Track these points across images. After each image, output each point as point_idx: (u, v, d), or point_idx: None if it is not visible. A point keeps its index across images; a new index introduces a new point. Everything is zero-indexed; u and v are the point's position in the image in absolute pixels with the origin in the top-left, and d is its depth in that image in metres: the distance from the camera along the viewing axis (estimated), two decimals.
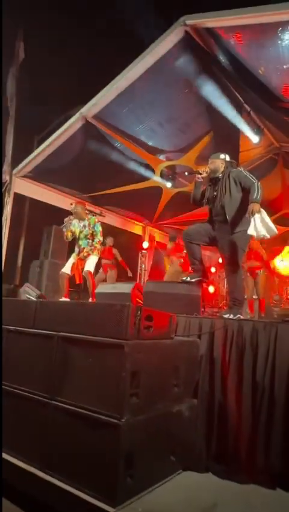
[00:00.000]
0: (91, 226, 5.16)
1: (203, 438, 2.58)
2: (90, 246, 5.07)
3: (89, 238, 5.11)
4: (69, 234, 5.16)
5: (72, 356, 2.34)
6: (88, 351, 2.27)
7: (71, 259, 5.13)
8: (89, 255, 5.03)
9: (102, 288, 3.73)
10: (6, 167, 6.51)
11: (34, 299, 4.50)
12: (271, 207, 8.74)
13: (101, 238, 5.19)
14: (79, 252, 5.10)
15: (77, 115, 5.86)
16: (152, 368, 2.26)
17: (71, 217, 5.28)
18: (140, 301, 3.40)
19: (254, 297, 6.63)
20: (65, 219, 5.30)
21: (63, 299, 4.97)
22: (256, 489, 2.27)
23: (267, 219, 3.12)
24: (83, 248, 5.08)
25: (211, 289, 8.22)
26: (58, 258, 6.93)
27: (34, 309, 2.73)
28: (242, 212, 3.41)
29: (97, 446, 2.05)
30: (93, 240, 5.09)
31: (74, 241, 5.27)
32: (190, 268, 3.58)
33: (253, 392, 2.50)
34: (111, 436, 2.01)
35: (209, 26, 4.74)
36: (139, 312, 2.22)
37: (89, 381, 2.21)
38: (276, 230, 3.09)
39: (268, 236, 3.06)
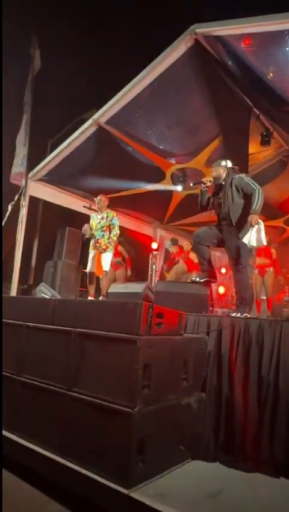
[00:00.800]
0: (109, 219, 5.34)
1: (211, 429, 2.72)
2: (108, 239, 5.25)
3: (105, 231, 5.29)
4: (88, 229, 5.33)
5: (88, 351, 2.52)
6: (103, 346, 2.44)
7: (92, 256, 5.31)
8: (107, 247, 5.21)
9: (113, 288, 3.89)
10: (22, 171, 6.74)
11: (49, 297, 4.70)
12: (281, 209, 8.82)
13: (118, 232, 5.36)
14: (95, 244, 5.26)
15: (90, 121, 6.05)
16: (162, 362, 2.41)
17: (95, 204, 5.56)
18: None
19: (262, 297, 6.65)
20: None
21: (90, 298, 5.18)
22: (260, 477, 2.41)
23: (262, 231, 3.36)
24: (98, 239, 5.25)
25: (221, 290, 8.33)
26: (71, 258, 7.14)
27: (52, 306, 2.91)
28: (247, 217, 3.53)
29: (112, 433, 2.22)
30: (109, 233, 5.27)
31: (89, 239, 5.46)
32: (200, 268, 3.73)
33: (258, 387, 2.64)
34: (124, 424, 2.17)
35: (219, 34, 4.88)
36: (151, 309, 2.38)
37: (104, 373, 2.38)
38: (265, 242, 3.36)
39: (255, 246, 3.36)
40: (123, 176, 7.02)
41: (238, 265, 3.46)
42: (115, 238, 5.32)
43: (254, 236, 3.30)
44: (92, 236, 5.38)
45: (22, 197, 6.56)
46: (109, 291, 4.01)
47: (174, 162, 7.25)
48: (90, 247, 5.42)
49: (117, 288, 3.89)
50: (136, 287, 3.71)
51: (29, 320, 2.98)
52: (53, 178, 6.94)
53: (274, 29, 4.55)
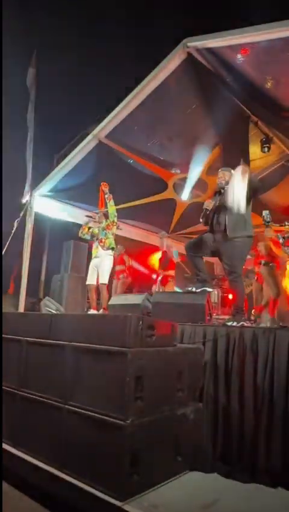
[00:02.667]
0: (109, 213, 5.43)
1: (209, 440, 2.73)
2: (106, 227, 5.39)
3: (106, 229, 5.41)
4: (86, 229, 5.51)
5: (83, 364, 2.56)
6: (97, 359, 2.49)
7: (92, 270, 5.35)
8: (109, 242, 5.29)
9: (114, 300, 3.95)
10: (27, 188, 6.91)
11: (54, 311, 4.79)
12: (285, 213, 8.76)
13: (115, 219, 5.44)
14: (99, 243, 5.37)
15: (90, 136, 6.19)
16: (155, 374, 2.44)
17: (95, 217, 5.69)
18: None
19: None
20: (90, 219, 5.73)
21: (92, 311, 5.17)
22: (258, 488, 2.39)
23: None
24: (102, 239, 5.38)
25: (231, 296, 8.28)
26: (78, 271, 7.24)
27: (49, 321, 2.98)
28: (242, 220, 3.54)
29: (106, 446, 2.25)
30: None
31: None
32: (195, 278, 3.74)
33: (254, 395, 2.63)
34: (117, 436, 2.20)
35: (211, 47, 4.97)
36: (141, 322, 2.42)
37: (98, 386, 2.42)
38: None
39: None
40: (126, 189, 7.12)
41: (233, 274, 3.47)
42: (109, 222, 5.41)
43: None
44: (94, 235, 5.52)
45: (28, 213, 6.71)
46: (109, 303, 4.07)
47: (176, 172, 7.33)
48: (93, 252, 5.47)
49: (117, 300, 3.95)
50: (136, 299, 3.77)
51: (29, 335, 3.05)
52: (57, 193, 7.08)
53: (268, 38, 4.58)
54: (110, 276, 5.47)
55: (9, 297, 8.61)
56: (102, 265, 5.21)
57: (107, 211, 5.54)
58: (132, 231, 8.70)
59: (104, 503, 2.10)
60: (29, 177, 6.95)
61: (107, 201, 5.48)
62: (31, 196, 6.79)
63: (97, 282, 5.18)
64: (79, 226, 8.05)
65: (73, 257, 7.16)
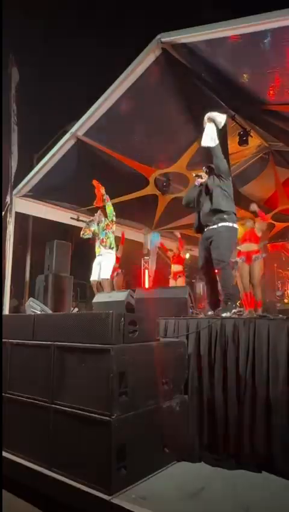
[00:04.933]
0: (107, 213, 5.52)
1: (195, 430, 2.78)
2: (106, 226, 5.51)
3: (106, 229, 5.53)
4: (87, 231, 5.57)
5: (68, 363, 2.58)
6: (81, 357, 2.51)
7: (95, 266, 5.50)
8: (110, 242, 5.44)
9: (98, 298, 3.96)
10: (9, 188, 6.84)
11: (39, 312, 4.76)
12: (267, 205, 8.92)
13: (113, 218, 5.58)
14: (100, 243, 5.49)
15: (68, 134, 6.15)
16: (139, 369, 2.48)
17: (95, 216, 5.73)
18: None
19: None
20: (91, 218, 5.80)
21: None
22: (243, 473, 2.46)
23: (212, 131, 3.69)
24: (102, 239, 5.51)
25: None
26: (62, 271, 7.21)
27: (32, 322, 2.98)
28: (223, 204, 3.60)
29: (92, 442, 2.28)
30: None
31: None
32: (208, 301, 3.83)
33: (237, 385, 2.70)
34: (103, 432, 2.23)
35: (185, 42, 4.99)
36: (122, 318, 2.45)
37: (83, 384, 2.44)
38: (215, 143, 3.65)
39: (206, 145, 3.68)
40: (107, 186, 7.10)
41: (221, 263, 3.49)
42: (108, 221, 5.52)
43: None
44: (94, 234, 5.61)
45: (8, 214, 6.64)
46: (94, 300, 4.09)
47: (156, 168, 7.35)
48: (96, 250, 5.59)
49: (101, 297, 3.96)
50: (120, 296, 3.79)
51: (13, 337, 3.05)
52: (38, 193, 7.03)
53: (242, 32, 4.61)
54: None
55: None
56: (104, 263, 5.37)
57: (104, 209, 5.63)
58: (116, 228, 8.68)
59: (93, 497, 2.14)
60: (12, 178, 6.87)
61: (105, 202, 5.59)
62: (11, 196, 6.72)
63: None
64: (62, 225, 8.07)
65: (57, 257, 7.13)
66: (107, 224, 5.55)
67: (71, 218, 7.86)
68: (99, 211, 5.75)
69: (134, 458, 2.30)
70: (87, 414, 2.33)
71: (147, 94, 5.76)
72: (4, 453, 2.70)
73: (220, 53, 5.07)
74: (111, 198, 7.61)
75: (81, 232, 5.69)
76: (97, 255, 5.55)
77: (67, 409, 2.46)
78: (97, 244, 5.58)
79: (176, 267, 8.11)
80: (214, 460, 2.61)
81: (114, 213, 5.62)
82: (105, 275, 5.30)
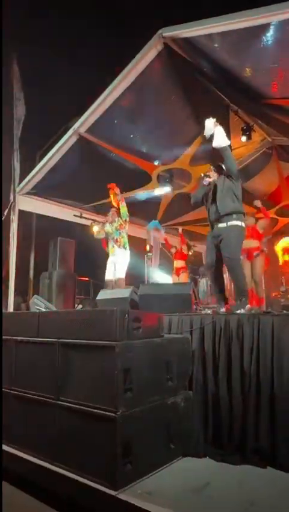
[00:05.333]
0: (121, 213, 5.65)
1: (200, 425, 2.80)
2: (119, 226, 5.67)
3: (119, 229, 5.68)
4: (101, 232, 5.74)
5: (72, 360, 2.59)
6: (86, 354, 2.53)
7: (109, 264, 5.62)
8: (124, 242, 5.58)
9: (101, 295, 3.97)
10: (12, 187, 6.85)
11: (43, 309, 4.79)
12: (270, 200, 8.87)
13: (127, 219, 5.73)
14: (115, 243, 5.64)
15: (70, 131, 6.14)
16: (144, 365, 2.49)
17: (108, 216, 5.89)
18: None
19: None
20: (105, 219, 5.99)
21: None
22: (248, 469, 2.47)
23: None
24: (116, 238, 5.65)
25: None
26: (66, 268, 7.24)
27: (37, 319, 2.99)
28: (232, 204, 3.64)
29: (98, 437, 2.30)
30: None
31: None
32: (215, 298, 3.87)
33: (241, 380, 2.70)
34: (109, 428, 2.25)
35: (187, 36, 4.95)
36: (126, 315, 2.45)
37: (88, 380, 2.46)
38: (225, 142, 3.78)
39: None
40: (109, 183, 7.10)
41: (234, 262, 3.53)
42: (121, 221, 5.66)
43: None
44: (108, 234, 5.72)
45: (12, 212, 6.66)
46: (97, 298, 4.09)
47: (158, 164, 7.32)
48: (109, 250, 5.69)
49: (104, 294, 3.97)
50: (123, 292, 3.79)
51: (18, 335, 3.07)
52: (41, 191, 7.03)
53: (244, 26, 4.56)
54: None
55: None
56: (118, 262, 5.51)
57: (119, 209, 5.77)
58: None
59: (99, 493, 2.15)
60: (16, 176, 6.88)
61: (120, 202, 5.72)
62: (14, 194, 6.73)
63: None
64: (65, 222, 8.07)
65: (61, 254, 7.15)
66: (120, 224, 5.70)
67: (74, 215, 7.86)
68: (111, 211, 5.89)
69: (139, 453, 2.32)
70: (92, 410, 2.35)
71: (149, 89, 5.72)
72: (10, 449, 2.73)
73: (222, 47, 5.02)
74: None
75: (95, 233, 5.84)
76: (110, 254, 5.68)
77: (72, 405, 2.48)
78: (111, 243, 5.72)
79: (178, 263, 8.11)
80: (219, 455, 2.61)
81: (128, 214, 5.76)
82: (120, 274, 5.46)
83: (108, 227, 5.78)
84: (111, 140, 6.43)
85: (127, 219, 5.75)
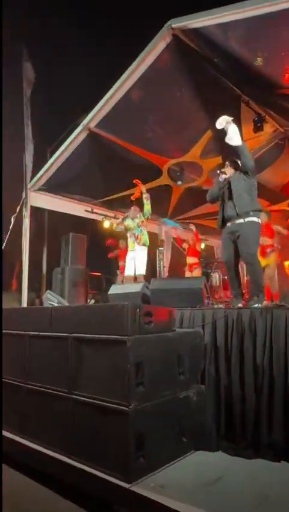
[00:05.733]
0: (144, 210, 5.72)
1: (213, 419, 2.79)
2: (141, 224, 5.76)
3: (141, 226, 5.77)
4: (120, 225, 5.87)
5: (85, 354, 2.61)
6: (98, 348, 2.54)
7: (129, 261, 5.71)
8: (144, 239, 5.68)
9: (113, 289, 3.98)
10: (24, 183, 6.91)
11: (56, 304, 4.84)
12: (283, 192, 8.73)
13: (149, 217, 5.77)
14: (135, 239, 5.72)
15: (80, 126, 6.14)
16: (155, 360, 2.49)
17: (129, 211, 5.99)
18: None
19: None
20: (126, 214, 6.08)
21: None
22: (262, 463, 2.46)
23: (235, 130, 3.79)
24: (138, 235, 5.74)
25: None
26: (78, 263, 7.28)
27: (50, 314, 3.02)
28: (249, 201, 3.63)
29: (111, 431, 2.32)
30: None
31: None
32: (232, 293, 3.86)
33: (254, 374, 2.68)
34: (121, 422, 2.27)
35: (196, 27, 4.87)
36: (138, 310, 2.45)
37: (100, 375, 2.48)
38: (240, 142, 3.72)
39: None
40: (120, 178, 7.09)
41: (252, 258, 3.52)
42: (143, 218, 5.74)
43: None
44: (127, 229, 5.82)
45: (24, 208, 6.72)
46: (109, 292, 4.11)
47: (169, 158, 7.28)
48: (130, 246, 5.77)
49: (116, 289, 3.98)
50: (135, 287, 3.79)
51: (30, 329, 3.10)
52: (52, 187, 7.07)
53: (256, 14, 4.46)
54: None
55: (13, 293, 8.69)
56: (138, 258, 5.59)
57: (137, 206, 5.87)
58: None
59: (112, 485, 2.17)
60: (28, 173, 6.94)
61: (144, 200, 5.76)
62: (26, 190, 6.79)
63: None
64: (77, 217, 8.10)
65: (72, 249, 7.20)
66: (142, 221, 5.77)
67: (86, 210, 7.88)
68: (133, 207, 5.95)
69: (152, 447, 2.33)
70: (105, 404, 2.37)
71: (159, 82, 5.67)
72: (24, 441, 2.77)
73: (232, 36, 4.93)
74: (125, 190, 7.66)
75: (114, 224, 5.97)
76: (130, 250, 5.76)
77: (85, 399, 2.50)
78: (131, 239, 5.78)
79: (191, 259, 8.08)
80: (232, 449, 2.61)
81: (151, 211, 5.80)
82: (141, 271, 5.53)
83: (130, 222, 5.83)
84: (121, 135, 6.41)
85: (149, 217, 5.81)
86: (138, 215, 5.82)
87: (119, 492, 2.14)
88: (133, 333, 2.40)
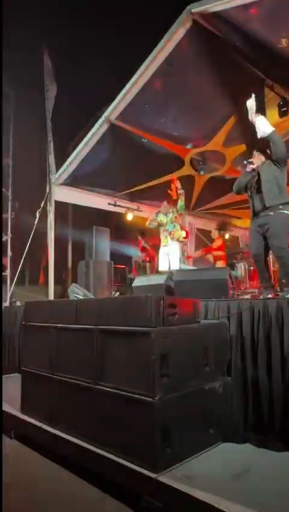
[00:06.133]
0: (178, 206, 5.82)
1: (240, 411, 2.76)
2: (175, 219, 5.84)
3: (174, 221, 5.87)
4: (154, 222, 5.94)
5: (110, 346, 2.64)
6: (122, 340, 2.56)
7: (163, 256, 5.83)
8: (178, 234, 5.80)
9: (138, 282, 3.99)
10: (47, 178, 7.02)
11: (81, 297, 4.90)
12: None
13: (181, 210, 5.87)
14: (169, 235, 5.84)
15: (102, 118, 6.14)
16: (180, 351, 2.48)
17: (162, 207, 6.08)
18: None
19: None
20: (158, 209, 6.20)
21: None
22: None
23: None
24: (171, 231, 5.83)
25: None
26: (102, 256, 7.35)
27: (75, 307, 3.06)
28: (278, 193, 3.56)
29: (137, 422, 2.34)
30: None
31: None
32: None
33: (282, 366, 2.62)
34: (147, 412, 2.28)
35: (216, 10, 4.73)
36: (162, 301, 2.44)
37: (126, 366, 2.50)
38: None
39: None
40: (142, 169, 7.06)
41: (283, 250, 3.46)
42: (176, 213, 5.83)
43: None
44: (160, 224, 5.88)
45: (48, 203, 6.82)
46: (133, 285, 4.12)
47: (191, 147, 7.17)
48: (162, 241, 5.85)
49: (140, 281, 3.98)
50: (159, 279, 3.78)
51: (57, 322, 3.16)
52: (75, 180, 7.13)
53: None
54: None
55: (41, 287, 8.90)
56: (172, 253, 5.71)
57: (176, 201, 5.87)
58: (153, 211, 8.66)
59: (139, 475, 2.19)
60: (53, 167, 7.03)
61: (179, 196, 5.83)
62: (50, 185, 6.88)
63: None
64: (100, 211, 8.15)
65: (96, 242, 7.27)
66: (176, 217, 5.85)
67: (108, 203, 7.92)
68: (165, 203, 6.02)
69: (179, 438, 2.33)
70: (130, 395, 2.38)
71: (180, 70, 5.56)
72: (52, 430, 2.85)
73: (255, 18, 4.76)
74: (147, 181, 7.64)
75: (147, 222, 6.06)
76: (162, 245, 5.86)
77: (111, 390, 2.53)
78: (164, 234, 5.87)
79: (216, 253, 7.98)
80: (259, 441, 2.58)
81: (184, 207, 5.91)
82: (175, 266, 5.62)
83: (162, 218, 5.90)
84: (142, 125, 6.37)
85: (182, 212, 5.91)
86: (170, 211, 5.88)
87: (146, 482, 2.16)
88: (158, 325, 2.39)
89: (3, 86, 6.70)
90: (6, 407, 3.51)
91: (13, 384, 3.87)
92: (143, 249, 8.11)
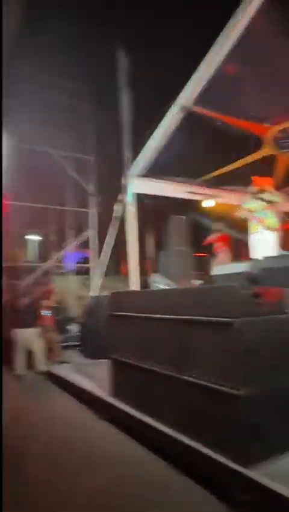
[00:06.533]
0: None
1: None
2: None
3: (265, 209, 5.66)
4: (244, 212, 5.78)
5: (192, 336, 2.62)
6: (205, 330, 2.51)
7: (254, 244, 5.64)
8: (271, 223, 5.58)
9: (218, 270, 3.88)
10: (124, 171, 7.18)
11: (162, 286, 4.97)
12: None
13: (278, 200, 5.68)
14: (259, 221, 5.65)
15: (176, 107, 6.05)
16: (266, 343, 2.35)
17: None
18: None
19: None
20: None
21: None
22: None
23: None
24: (261, 218, 5.62)
25: None
26: (181, 245, 7.34)
27: (158, 297, 3.10)
28: None
29: (223, 415, 2.29)
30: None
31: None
32: None
33: None
34: (232, 406, 2.22)
35: None
36: (245, 291, 2.33)
37: (209, 357, 2.45)
38: None
39: None
40: (219, 153, 6.82)
41: None
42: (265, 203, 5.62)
43: None
44: (252, 212, 5.71)
45: (126, 195, 6.98)
46: (214, 273, 4.02)
47: (272, 125, 6.70)
48: (252, 228, 5.72)
49: (221, 269, 3.87)
50: (240, 267, 3.64)
51: (139, 312, 3.23)
52: (152, 171, 7.16)
53: None
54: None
55: (123, 277, 9.21)
56: (262, 241, 5.51)
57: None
58: (232, 197, 8.33)
59: (229, 469, 2.15)
60: (128, 159, 7.17)
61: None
62: (126, 177, 7.02)
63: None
64: (179, 199, 8.09)
65: (175, 232, 7.28)
66: (267, 206, 5.60)
67: (187, 192, 7.81)
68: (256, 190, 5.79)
69: (268, 433, 2.24)
70: (215, 386, 2.34)
71: (256, 45, 5.22)
72: (143, 417, 2.94)
73: None
74: (225, 166, 7.35)
75: (239, 211, 5.89)
76: (253, 232, 5.67)
77: (194, 380, 2.51)
78: (253, 222, 5.69)
79: None
80: None
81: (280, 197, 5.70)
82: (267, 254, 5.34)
83: (254, 204, 5.67)
84: (218, 108, 6.14)
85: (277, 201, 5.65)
86: (261, 197, 5.61)
87: (236, 476, 2.11)
88: (241, 315, 2.29)
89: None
90: (98, 391, 3.77)
91: (102, 369, 4.08)
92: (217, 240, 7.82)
